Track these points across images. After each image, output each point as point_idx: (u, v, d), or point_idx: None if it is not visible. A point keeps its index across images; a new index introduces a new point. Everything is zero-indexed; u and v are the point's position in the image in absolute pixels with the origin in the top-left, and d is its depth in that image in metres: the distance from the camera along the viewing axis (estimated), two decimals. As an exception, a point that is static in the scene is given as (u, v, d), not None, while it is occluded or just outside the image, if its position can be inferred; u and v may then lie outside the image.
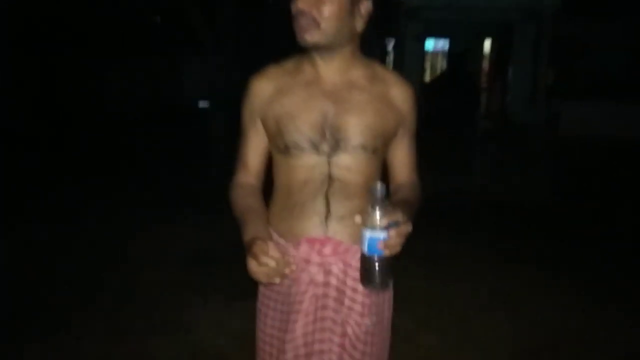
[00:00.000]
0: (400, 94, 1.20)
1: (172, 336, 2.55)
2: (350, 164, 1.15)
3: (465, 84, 9.09)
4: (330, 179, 1.16)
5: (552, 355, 2.49)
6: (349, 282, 1.18)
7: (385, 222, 0.98)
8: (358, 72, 1.17)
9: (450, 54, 11.62)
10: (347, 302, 1.18)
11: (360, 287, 1.16)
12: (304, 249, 1.17)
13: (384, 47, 12.30)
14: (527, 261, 3.55)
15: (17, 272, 3.25)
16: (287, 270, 1.00)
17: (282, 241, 1.20)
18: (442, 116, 8.74)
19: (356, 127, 1.13)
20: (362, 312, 1.18)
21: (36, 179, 5.42)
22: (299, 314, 1.17)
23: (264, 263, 0.97)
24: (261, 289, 1.26)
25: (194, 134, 8.37)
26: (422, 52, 10.92)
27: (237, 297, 2.77)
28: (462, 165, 6.55)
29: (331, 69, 1.15)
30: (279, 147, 1.17)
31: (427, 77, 11.84)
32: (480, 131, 9.09)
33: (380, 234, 0.99)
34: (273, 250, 0.99)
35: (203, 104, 10.92)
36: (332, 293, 1.18)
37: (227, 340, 2.50)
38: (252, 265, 0.99)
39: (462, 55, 9.99)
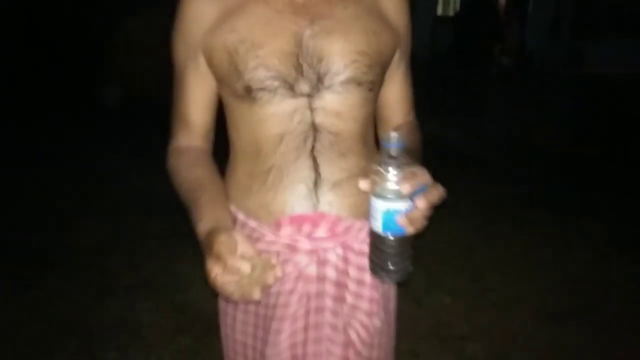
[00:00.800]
0: (393, 4, 0.89)
1: (157, 297, 2.34)
2: (340, 107, 0.83)
3: (485, 19, 8.50)
4: (315, 130, 0.84)
5: (576, 315, 2.30)
6: (352, 272, 0.87)
7: (408, 187, 0.69)
8: None
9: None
10: (350, 299, 0.88)
11: (367, 277, 0.87)
12: (287, 231, 0.85)
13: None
14: (545, 210, 3.33)
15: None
16: (270, 279, 0.69)
17: (253, 223, 0.87)
18: (458, 52, 8.25)
19: (344, 54, 0.81)
20: (370, 310, 0.88)
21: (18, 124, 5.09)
22: (283, 322, 0.86)
23: (232, 269, 0.66)
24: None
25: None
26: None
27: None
28: (476, 105, 6.18)
29: None
30: (237, 91, 0.83)
31: (440, 10, 11.10)
32: (496, 68, 8.56)
33: (402, 204, 0.71)
34: (245, 246, 0.68)
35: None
36: (330, 290, 0.87)
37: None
38: (216, 273, 0.68)
39: None
